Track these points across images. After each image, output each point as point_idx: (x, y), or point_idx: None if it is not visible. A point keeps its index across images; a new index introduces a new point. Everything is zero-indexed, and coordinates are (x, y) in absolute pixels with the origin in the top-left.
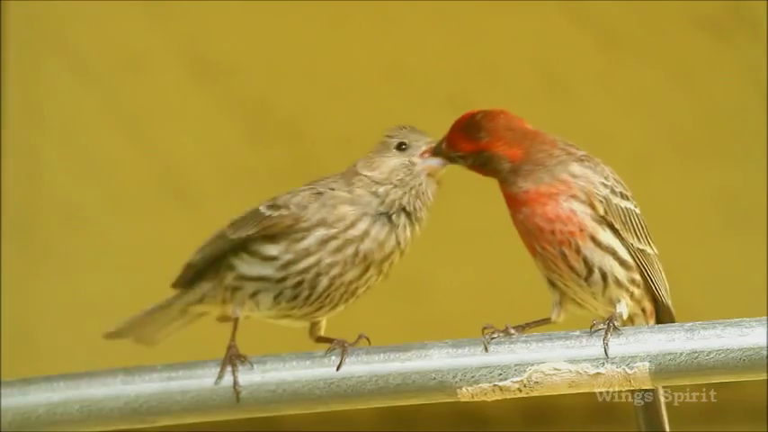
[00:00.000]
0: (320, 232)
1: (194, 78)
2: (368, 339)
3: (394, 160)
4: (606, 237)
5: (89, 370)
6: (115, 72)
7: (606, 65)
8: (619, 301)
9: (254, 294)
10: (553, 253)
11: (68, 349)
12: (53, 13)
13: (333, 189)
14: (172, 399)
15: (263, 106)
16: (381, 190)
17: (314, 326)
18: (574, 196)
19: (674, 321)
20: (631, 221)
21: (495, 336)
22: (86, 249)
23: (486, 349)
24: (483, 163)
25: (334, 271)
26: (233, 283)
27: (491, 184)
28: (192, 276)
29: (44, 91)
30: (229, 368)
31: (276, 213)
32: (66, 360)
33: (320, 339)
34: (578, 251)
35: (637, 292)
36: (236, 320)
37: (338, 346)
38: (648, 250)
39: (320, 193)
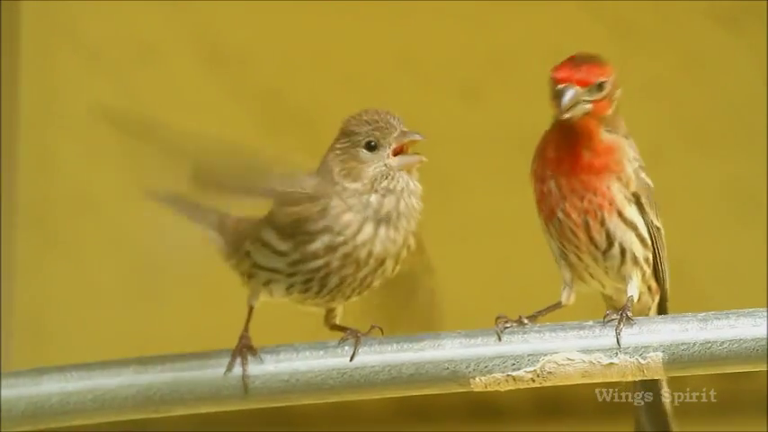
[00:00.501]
0: (326, 238)
1: (207, 68)
2: (381, 329)
3: (371, 168)
4: (631, 212)
5: (102, 359)
6: (128, 62)
7: (619, 56)
8: (631, 278)
9: (267, 283)
10: (576, 221)
11: (81, 339)
12: (66, 3)
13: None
14: (185, 388)
15: (276, 96)
16: (372, 200)
17: (329, 312)
18: (619, 178)
19: (666, 310)
20: (653, 198)
21: (509, 325)
22: (99, 238)
23: (499, 338)
24: (610, 96)
25: (346, 271)
26: (249, 270)
27: (503, 177)
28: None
29: (58, 81)
30: (239, 359)
31: (301, 189)
32: (79, 349)
33: (334, 327)
34: (603, 223)
35: (648, 271)
36: (250, 309)
37: (351, 336)
38: (662, 230)
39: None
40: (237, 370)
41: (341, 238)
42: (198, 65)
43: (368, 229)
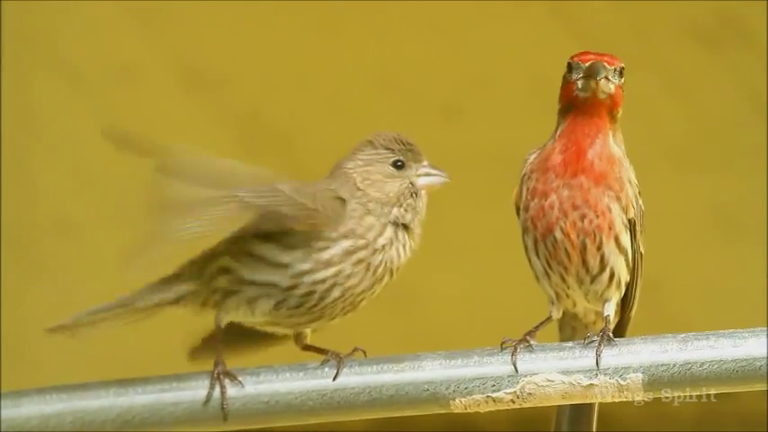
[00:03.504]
0: (347, 243)
1: (186, 90)
2: (364, 352)
3: (397, 184)
4: (626, 239)
5: (82, 381)
6: (108, 84)
7: None
8: (608, 300)
9: (253, 299)
10: (574, 241)
11: (62, 361)
12: (46, 24)
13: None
14: (165, 410)
15: (255, 118)
16: (394, 211)
17: (299, 334)
18: (618, 199)
19: (624, 335)
20: (643, 223)
21: (519, 349)
22: (80, 261)
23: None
24: (622, 93)
25: (351, 282)
26: (227, 287)
27: (484, 197)
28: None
29: (37, 102)
30: (217, 387)
31: (312, 205)
32: (60, 371)
33: (308, 348)
34: (599, 247)
35: (623, 293)
36: (218, 329)
37: (333, 357)
38: (643, 255)
39: (342, 200)
40: (216, 398)
41: (362, 241)
42: (177, 87)
43: (388, 232)
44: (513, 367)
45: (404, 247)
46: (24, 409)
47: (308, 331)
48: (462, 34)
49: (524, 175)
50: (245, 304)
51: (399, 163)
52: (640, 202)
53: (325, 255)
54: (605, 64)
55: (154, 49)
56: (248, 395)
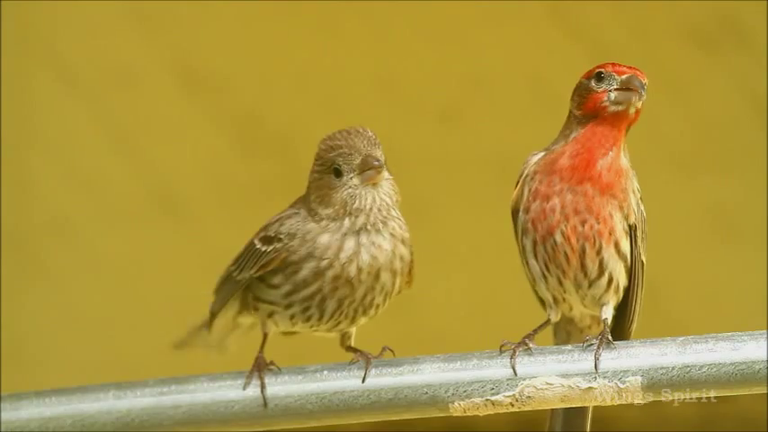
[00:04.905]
0: (312, 264)
1: (185, 92)
2: (392, 351)
3: (338, 193)
4: (626, 245)
5: (81, 384)
6: (106, 86)
7: None
8: (606, 304)
9: (270, 315)
10: (573, 245)
11: (60, 363)
12: (44, 26)
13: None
14: (164, 413)
15: (253, 119)
16: (346, 221)
17: (344, 335)
18: (621, 208)
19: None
20: (645, 229)
21: (518, 352)
22: (78, 263)
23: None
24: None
25: (341, 293)
26: (253, 303)
27: (482, 199)
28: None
29: (35, 105)
30: (255, 376)
31: (270, 248)
32: (59, 374)
33: (348, 349)
34: (599, 252)
35: (620, 299)
36: (264, 336)
37: (362, 357)
38: (644, 264)
39: (304, 219)
40: (218, 398)
41: (325, 262)
42: (175, 89)
43: (349, 243)
44: (512, 370)
45: (377, 246)
46: (23, 411)
47: (351, 332)
48: (461, 36)
49: (527, 175)
50: (267, 318)
51: (338, 170)
52: (642, 207)
53: (299, 276)
54: (641, 79)
55: (152, 50)
56: (248, 398)
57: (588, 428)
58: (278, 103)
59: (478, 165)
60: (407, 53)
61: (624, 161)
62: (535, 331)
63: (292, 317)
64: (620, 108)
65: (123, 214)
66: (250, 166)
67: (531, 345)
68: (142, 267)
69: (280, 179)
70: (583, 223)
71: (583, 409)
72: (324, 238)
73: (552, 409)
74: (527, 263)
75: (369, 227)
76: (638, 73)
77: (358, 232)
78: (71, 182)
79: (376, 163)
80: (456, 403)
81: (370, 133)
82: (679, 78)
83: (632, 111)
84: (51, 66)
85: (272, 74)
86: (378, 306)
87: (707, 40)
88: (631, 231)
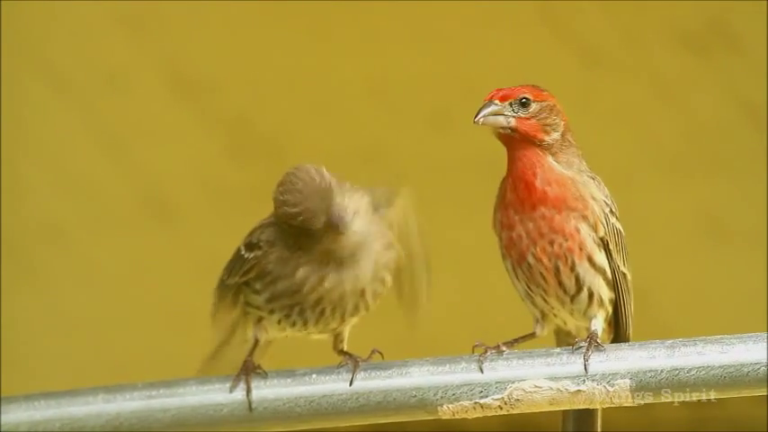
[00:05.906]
0: (287, 282)
1: (175, 96)
2: (381, 354)
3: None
4: (600, 258)
5: (70, 388)
6: (96, 90)
7: (588, 81)
8: (595, 317)
9: (258, 320)
10: (547, 265)
11: (50, 366)
12: (35, 31)
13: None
14: (153, 417)
15: (244, 123)
16: (290, 242)
17: (336, 337)
18: (585, 218)
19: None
20: (622, 244)
21: (488, 354)
22: (68, 267)
23: (481, 370)
24: (543, 120)
25: (321, 306)
26: (244, 309)
27: (472, 204)
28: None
29: (25, 109)
30: (243, 380)
31: (252, 255)
32: (48, 377)
33: (339, 352)
34: (573, 268)
35: (610, 311)
36: (255, 341)
37: (350, 361)
38: (629, 276)
39: (281, 230)
40: (206, 401)
41: (296, 282)
42: (166, 93)
43: (313, 278)
44: (493, 373)
45: (348, 281)
46: (13, 415)
47: (344, 334)
48: (451, 40)
49: (495, 204)
50: (256, 323)
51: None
52: (613, 221)
53: (278, 288)
54: (495, 101)
55: (142, 54)
56: (236, 401)
57: (599, 428)
58: (268, 108)
59: (469, 168)
60: (397, 56)
61: (563, 170)
62: (516, 340)
63: (279, 321)
64: (503, 131)
65: (114, 219)
66: (241, 170)
67: (504, 350)
68: (133, 271)
69: (270, 182)
70: (551, 243)
71: (593, 410)
72: (292, 263)
73: (564, 411)
74: (513, 282)
75: (341, 261)
76: (501, 93)
77: (327, 264)
78: (62, 187)
79: (340, 223)
80: (445, 406)
81: (324, 174)
82: (670, 82)
83: (501, 131)
84: (42, 71)
85: (263, 78)
86: (367, 305)
87: (698, 43)
88: (604, 244)
